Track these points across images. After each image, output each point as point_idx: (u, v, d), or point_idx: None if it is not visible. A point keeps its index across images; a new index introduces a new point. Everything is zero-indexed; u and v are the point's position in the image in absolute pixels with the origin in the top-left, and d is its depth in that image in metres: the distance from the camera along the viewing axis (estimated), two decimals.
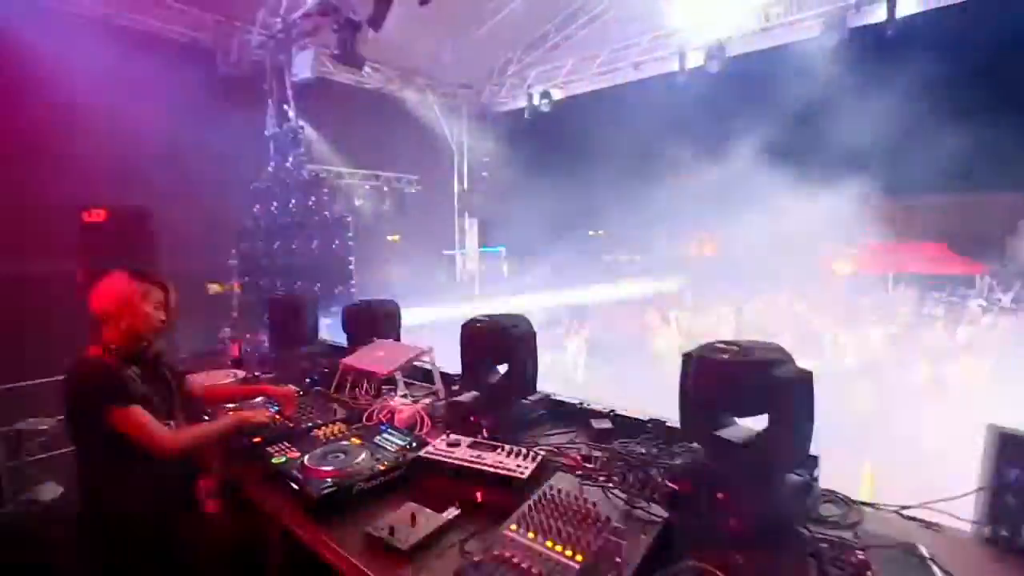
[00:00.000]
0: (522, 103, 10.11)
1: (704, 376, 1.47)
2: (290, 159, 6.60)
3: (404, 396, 2.40)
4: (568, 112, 10.34)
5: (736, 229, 12.82)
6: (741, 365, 1.38)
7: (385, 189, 9.38)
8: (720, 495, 1.38)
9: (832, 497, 1.57)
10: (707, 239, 15.72)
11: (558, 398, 2.25)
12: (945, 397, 6.78)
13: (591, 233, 18.59)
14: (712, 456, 1.53)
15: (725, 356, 1.41)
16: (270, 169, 6.68)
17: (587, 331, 10.35)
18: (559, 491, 1.41)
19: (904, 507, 1.51)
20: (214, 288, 6.13)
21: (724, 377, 1.41)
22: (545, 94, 9.62)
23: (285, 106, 6.99)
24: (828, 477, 1.58)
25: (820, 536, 1.33)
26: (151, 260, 4.23)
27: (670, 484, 1.42)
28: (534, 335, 2.06)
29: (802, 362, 1.44)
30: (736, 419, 1.57)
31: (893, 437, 5.70)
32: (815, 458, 1.57)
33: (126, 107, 5.50)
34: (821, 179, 11.08)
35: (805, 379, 1.39)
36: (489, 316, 2.07)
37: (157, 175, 5.55)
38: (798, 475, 1.47)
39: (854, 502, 1.55)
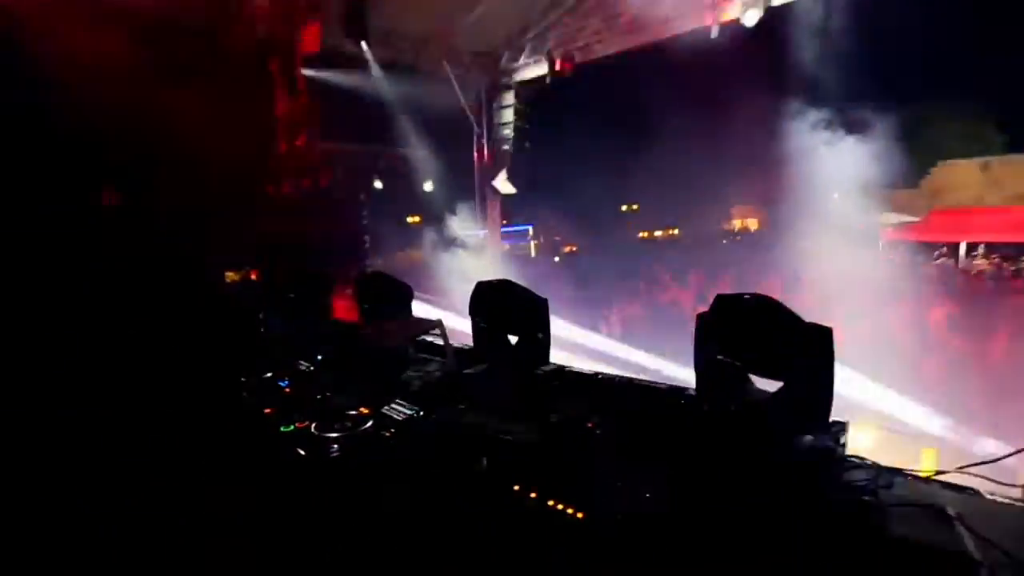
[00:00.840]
0: (543, 70, 9.99)
1: (718, 329, 1.49)
2: (302, 136, 6.74)
3: (417, 370, 2.47)
4: (593, 78, 10.19)
5: (785, 201, 12.42)
6: (754, 313, 1.40)
7: (402, 166, 9.48)
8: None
9: (860, 464, 1.56)
10: (750, 212, 15.30)
11: (574, 369, 2.29)
12: None
13: (623, 208, 18.36)
14: (723, 417, 1.55)
15: (739, 304, 1.43)
16: (282, 147, 6.85)
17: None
18: (565, 453, 1.45)
19: (939, 472, 1.49)
20: (230, 276, 6.37)
21: (737, 330, 1.43)
22: (568, 57, 9.48)
23: (295, 81, 7.12)
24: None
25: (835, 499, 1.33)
26: None
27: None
28: (545, 302, 2.10)
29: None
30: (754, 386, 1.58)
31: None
32: (842, 424, 1.57)
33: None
34: (881, 144, 10.56)
35: (823, 334, 1.40)
36: (500, 280, 2.12)
37: (153, 153, 5.71)
38: (817, 440, 1.47)
39: (884, 468, 1.54)
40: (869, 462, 1.56)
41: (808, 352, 1.38)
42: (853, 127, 10.49)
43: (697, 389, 1.69)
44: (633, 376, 2.11)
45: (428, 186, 10.68)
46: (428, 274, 9.25)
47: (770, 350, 1.47)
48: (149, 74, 5.73)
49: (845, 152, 10.35)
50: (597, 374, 2.21)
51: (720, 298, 1.56)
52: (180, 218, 5.18)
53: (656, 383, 2.02)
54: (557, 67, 9.59)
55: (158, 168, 5.78)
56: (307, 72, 7.38)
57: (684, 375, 2.19)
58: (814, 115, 10.85)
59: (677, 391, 1.93)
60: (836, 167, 10.64)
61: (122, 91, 5.44)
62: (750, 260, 11.59)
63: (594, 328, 10.27)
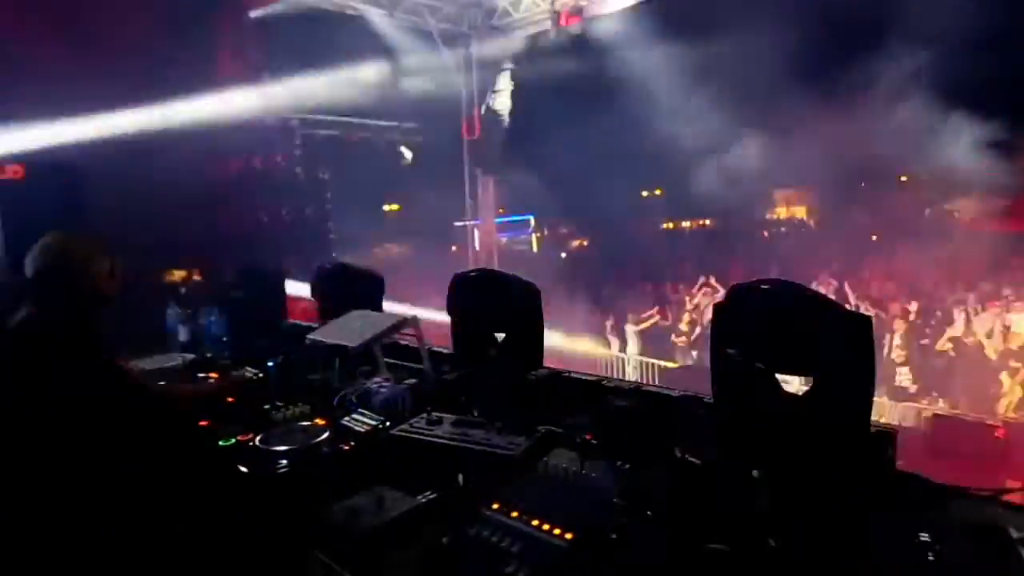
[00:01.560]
0: (546, 24, 10.03)
1: (737, 321, 1.54)
2: (253, 107, 6.77)
3: (386, 378, 2.51)
4: (606, 35, 10.20)
5: (838, 184, 12.42)
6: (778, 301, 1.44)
7: (378, 142, 9.48)
8: (755, 471, 1.46)
9: (910, 481, 1.60)
10: (795, 198, 15.37)
11: (571, 375, 2.33)
12: None
13: (645, 193, 18.44)
14: (747, 425, 1.59)
15: (763, 290, 1.47)
16: (229, 121, 6.87)
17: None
18: (554, 467, 1.50)
19: (1001, 491, 1.53)
20: (177, 276, 6.42)
21: (760, 321, 1.48)
22: (575, 10, 9.54)
23: (243, 45, 7.16)
24: None
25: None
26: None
27: (688, 457, 1.48)
28: (538, 294, 2.14)
29: None
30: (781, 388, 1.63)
31: None
32: (888, 433, 1.61)
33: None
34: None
35: (862, 325, 1.44)
36: (482, 269, 2.16)
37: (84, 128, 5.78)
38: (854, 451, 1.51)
39: (937, 485, 1.57)
40: (922, 477, 1.61)
41: (845, 345, 1.41)
42: (944, 98, 10.39)
43: (714, 395, 1.74)
44: (641, 383, 2.14)
45: (407, 165, 10.68)
46: (409, 274, 9.27)
47: (799, 343, 1.51)
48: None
49: (927, 125, 10.25)
50: (601, 379, 2.25)
51: (738, 287, 1.61)
52: None
53: (668, 389, 2.06)
54: (562, 21, 9.63)
55: None
56: (255, 13, 7.32)
57: None
58: (886, 79, 10.81)
59: (691, 399, 1.97)
60: (907, 144, 10.64)
61: None
62: (800, 258, 11.60)
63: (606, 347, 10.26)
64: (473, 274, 2.20)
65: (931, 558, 1.21)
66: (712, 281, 10.13)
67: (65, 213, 4.59)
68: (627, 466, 1.53)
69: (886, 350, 7.59)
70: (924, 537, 1.25)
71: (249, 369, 2.74)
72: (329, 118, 9.19)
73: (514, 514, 1.36)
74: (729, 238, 14.97)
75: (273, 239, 6.53)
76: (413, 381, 2.46)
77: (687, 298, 10.24)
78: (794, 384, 1.71)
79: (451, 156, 11.13)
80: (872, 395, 1.49)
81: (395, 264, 11.51)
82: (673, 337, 9.86)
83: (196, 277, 6.40)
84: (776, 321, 1.53)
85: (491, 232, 12.49)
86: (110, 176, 5.31)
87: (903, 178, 13.46)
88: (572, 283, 11.52)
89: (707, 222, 16.52)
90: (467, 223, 12.32)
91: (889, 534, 1.31)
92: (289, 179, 6.83)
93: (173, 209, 5.98)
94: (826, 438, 1.51)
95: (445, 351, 2.68)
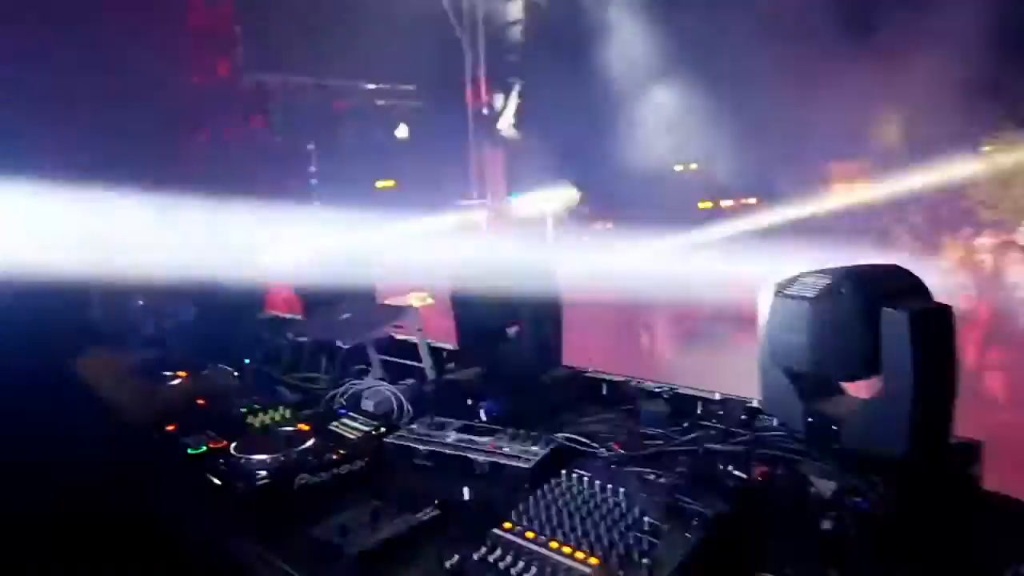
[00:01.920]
0: None
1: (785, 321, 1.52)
2: (225, 62, 6.75)
3: (380, 378, 2.52)
4: None
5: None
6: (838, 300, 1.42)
7: (370, 106, 9.42)
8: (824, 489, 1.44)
9: (999, 501, 1.57)
10: (857, 171, 15.15)
11: (595, 375, 2.34)
12: None
13: (678, 167, 18.30)
14: (802, 437, 1.59)
15: (814, 289, 1.45)
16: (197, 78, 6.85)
17: None
18: (576, 480, 1.49)
19: None
20: None
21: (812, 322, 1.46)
22: None
23: None
24: None
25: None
26: None
27: (736, 472, 1.47)
28: (556, 277, 2.15)
29: None
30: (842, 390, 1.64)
31: None
32: (972, 446, 1.58)
33: None
34: None
35: (941, 318, 1.41)
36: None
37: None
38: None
39: None
40: (1013, 499, 1.58)
41: (924, 341, 1.38)
42: None
43: (764, 398, 1.73)
44: (675, 385, 2.14)
45: (402, 135, 10.65)
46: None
47: (864, 336, 1.47)
48: None
49: None
50: (630, 380, 2.24)
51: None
52: None
53: (707, 392, 2.05)
54: None
55: None
56: None
57: None
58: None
59: (737, 404, 1.97)
60: None
61: None
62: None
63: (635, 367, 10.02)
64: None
65: None
66: None
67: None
68: (662, 480, 1.51)
69: None
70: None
71: (222, 367, 2.75)
72: (314, 81, 9.14)
73: (529, 535, 1.35)
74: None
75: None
76: (411, 381, 2.47)
77: None
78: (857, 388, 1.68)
79: (454, 126, 11.05)
80: (953, 399, 1.45)
81: None
82: None
83: None
84: (841, 307, 1.50)
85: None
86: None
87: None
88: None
89: (752, 200, 16.36)
90: (473, 203, 12.26)
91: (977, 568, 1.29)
92: (267, 150, 6.81)
93: None
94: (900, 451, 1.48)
95: (448, 347, 2.69)
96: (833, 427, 1.52)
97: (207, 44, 6.95)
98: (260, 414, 2.14)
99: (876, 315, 1.41)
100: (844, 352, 1.49)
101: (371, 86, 9.99)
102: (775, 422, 1.75)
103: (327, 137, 9.02)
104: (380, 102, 9.91)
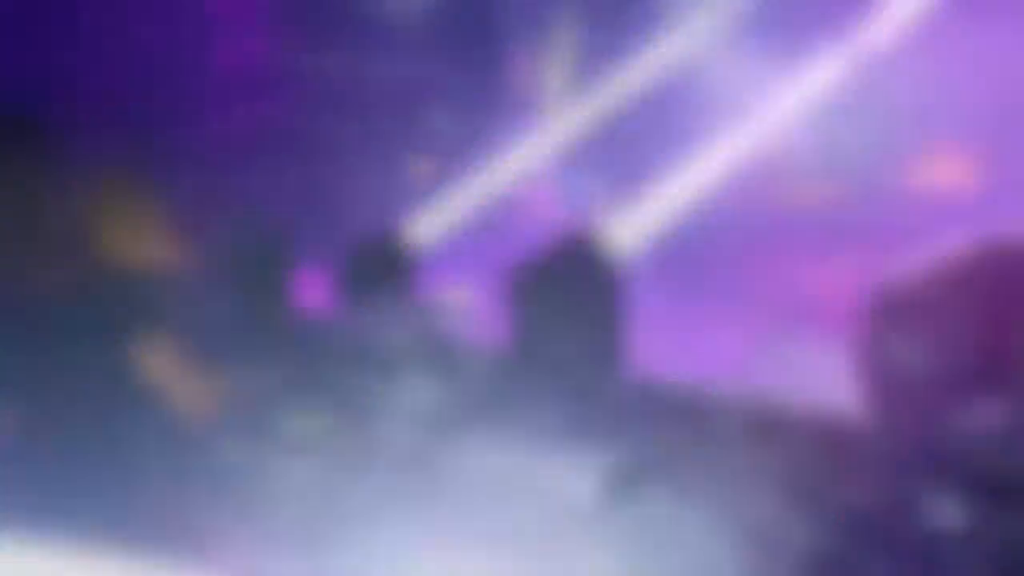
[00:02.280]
0: None
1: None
2: (251, 39, 6.89)
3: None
4: None
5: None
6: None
7: (397, 85, 9.61)
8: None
9: None
10: (945, 156, 14.92)
11: (671, 382, 2.25)
12: None
13: None
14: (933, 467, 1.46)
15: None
16: (220, 57, 6.99)
17: None
18: (644, 512, 1.44)
19: None
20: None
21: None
22: None
23: None
24: None
25: None
26: None
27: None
28: (618, 268, 2.06)
29: None
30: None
31: None
32: None
33: None
34: None
35: None
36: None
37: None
38: None
39: None
40: None
41: None
42: None
43: (876, 418, 1.61)
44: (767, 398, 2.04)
45: (439, 116, 10.80)
46: None
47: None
48: None
49: None
50: (703, 387, 2.15)
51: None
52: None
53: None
54: None
55: None
56: None
57: None
58: None
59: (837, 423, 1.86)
60: None
61: None
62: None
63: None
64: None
65: None
66: None
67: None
68: (751, 512, 1.43)
69: None
70: None
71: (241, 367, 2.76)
72: (339, 54, 9.29)
73: None
74: (853, 212, 14.67)
75: (275, 200, 6.68)
76: (454, 385, 2.44)
77: None
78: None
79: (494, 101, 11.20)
80: None
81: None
82: None
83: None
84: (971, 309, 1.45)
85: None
86: None
87: None
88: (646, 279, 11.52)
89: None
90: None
91: None
92: (296, 130, 6.94)
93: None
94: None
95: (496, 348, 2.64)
96: None
97: (231, 19, 7.10)
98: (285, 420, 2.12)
99: None
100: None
101: (398, 63, 10.17)
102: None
103: (355, 117, 9.20)
104: (412, 77, 10.09)
